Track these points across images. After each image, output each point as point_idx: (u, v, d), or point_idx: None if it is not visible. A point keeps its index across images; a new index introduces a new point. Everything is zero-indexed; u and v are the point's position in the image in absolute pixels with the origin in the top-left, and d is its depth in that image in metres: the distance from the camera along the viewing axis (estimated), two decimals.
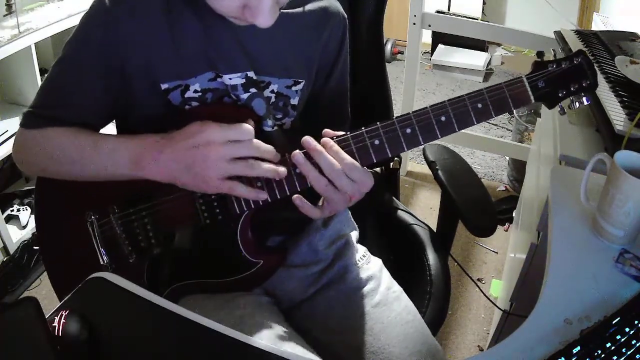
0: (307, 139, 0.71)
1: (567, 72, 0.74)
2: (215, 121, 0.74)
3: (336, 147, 0.71)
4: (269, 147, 0.72)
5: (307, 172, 0.71)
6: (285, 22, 0.80)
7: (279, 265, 0.85)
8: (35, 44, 1.74)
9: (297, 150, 0.71)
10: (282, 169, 0.72)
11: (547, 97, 0.75)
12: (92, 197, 0.81)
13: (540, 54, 0.76)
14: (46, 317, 0.56)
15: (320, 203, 0.76)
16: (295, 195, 0.74)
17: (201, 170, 0.70)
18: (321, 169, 0.70)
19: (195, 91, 0.78)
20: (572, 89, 0.75)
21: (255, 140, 0.72)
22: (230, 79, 0.78)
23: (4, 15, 1.75)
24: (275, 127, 0.82)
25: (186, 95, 0.78)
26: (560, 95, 0.75)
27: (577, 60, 0.74)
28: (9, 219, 1.88)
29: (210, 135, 0.70)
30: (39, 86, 0.80)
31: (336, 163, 0.70)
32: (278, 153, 0.73)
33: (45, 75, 0.79)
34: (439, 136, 0.73)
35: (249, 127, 0.71)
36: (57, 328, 0.56)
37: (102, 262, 0.81)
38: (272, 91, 0.83)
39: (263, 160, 0.72)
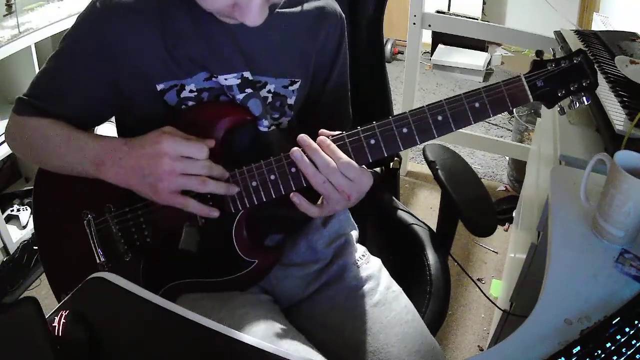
0: (303, 137, 0.71)
1: (567, 72, 0.73)
2: (211, 121, 0.74)
3: (332, 146, 0.71)
4: (220, 167, 0.74)
5: (305, 169, 0.71)
6: (281, 22, 0.80)
7: (274, 264, 0.85)
8: (35, 44, 1.74)
9: (296, 148, 0.71)
10: (233, 187, 0.74)
11: (546, 97, 0.73)
12: (88, 196, 0.82)
13: (539, 53, 0.74)
14: (46, 317, 0.56)
15: (319, 202, 0.76)
16: (293, 193, 0.74)
17: (153, 181, 0.71)
18: (317, 167, 0.70)
19: (191, 91, 0.78)
20: (571, 89, 0.73)
21: (208, 161, 0.72)
22: (225, 79, 0.78)
23: (4, 15, 1.75)
24: (272, 127, 0.82)
25: (182, 95, 0.78)
26: (559, 94, 0.73)
27: (577, 59, 0.73)
28: (9, 219, 1.88)
29: (163, 148, 0.70)
30: (35, 75, 0.81)
31: (331, 161, 0.70)
32: (227, 172, 0.75)
33: (43, 66, 0.80)
34: (436, 136, 0.72)
35: (203, 146, 0.72)
36: (57, 328, 0.56)
37: (98, 261, 0.82)
38: (269, 91, 0.83)
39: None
